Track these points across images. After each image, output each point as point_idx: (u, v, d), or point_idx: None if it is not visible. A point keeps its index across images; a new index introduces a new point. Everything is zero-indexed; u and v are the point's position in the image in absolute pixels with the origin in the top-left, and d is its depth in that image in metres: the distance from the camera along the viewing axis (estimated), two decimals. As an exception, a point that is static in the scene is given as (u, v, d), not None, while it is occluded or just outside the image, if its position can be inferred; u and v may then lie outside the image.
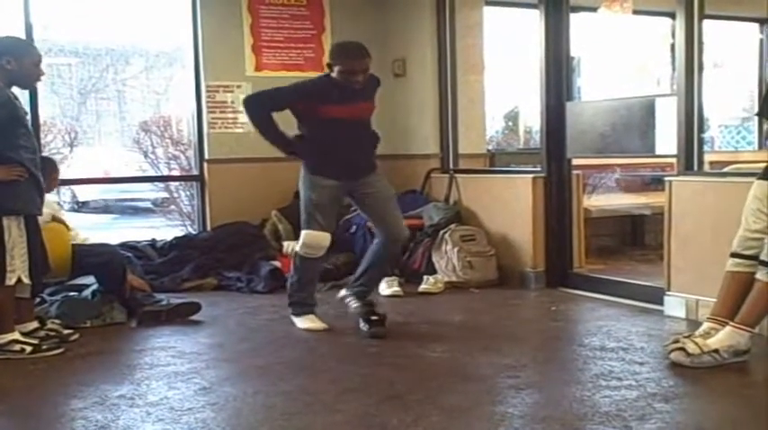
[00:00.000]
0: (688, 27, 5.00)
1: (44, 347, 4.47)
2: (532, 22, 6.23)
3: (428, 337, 4.74)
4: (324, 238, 4.82)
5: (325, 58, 7.45)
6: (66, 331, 4.75)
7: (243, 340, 4.79)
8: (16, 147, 4.36)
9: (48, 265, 4.66)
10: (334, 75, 4.75)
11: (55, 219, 5.22)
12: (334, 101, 4.72)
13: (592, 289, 5.87)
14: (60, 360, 4.40)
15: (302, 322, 4.95)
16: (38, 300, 5.05)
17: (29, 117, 4.72)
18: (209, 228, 7.16)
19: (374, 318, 4.77)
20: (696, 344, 3.97)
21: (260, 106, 4.89)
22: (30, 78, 4.58)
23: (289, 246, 6.80)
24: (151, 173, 8.77)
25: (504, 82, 8.84)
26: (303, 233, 4.85)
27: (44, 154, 6.50)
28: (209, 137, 7.19)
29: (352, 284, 5.06)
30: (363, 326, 4.76)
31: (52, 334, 4.65)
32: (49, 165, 5.08)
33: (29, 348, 4.42)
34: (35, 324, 4.67)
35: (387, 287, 5.86)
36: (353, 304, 4.90)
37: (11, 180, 4.31)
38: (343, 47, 4.91)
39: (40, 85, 6.06)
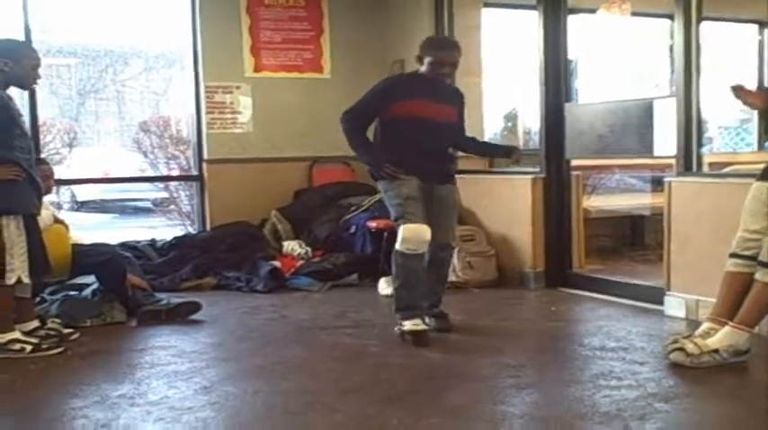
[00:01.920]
0: (686, 29, 5.01)
1: (44, 346, 4.47)
2: (531, 24, 6.24)
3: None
4: (424, 231, 4.50)
5: (324, 60, 7.61)
6: (66, 330, 4.76)
7: (243, 339, 4.80)
8: (11, 147, 4.37)
9: (49, 265, 4.66)
10: (423, 69, 4.67)
11: (57, 220, 5.23)
12: (425, 95, 4.64)
13: (591, 289, 5.88)
14: (60, 359, 4.40)
15: (409, 325, 4.56)
16: (38, 299, 5.06)
17: (24, 118, 4.71)
18: (208, 227, 7.17)
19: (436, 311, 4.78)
20: (696, 344, 3.98)
21: (351, 126, 4.72)
22: (27, 80, 4.60)
23: (288, 245, 6.82)
24: (150, 173, 8.78)
25: (503, 83, 8.84)
26: (401, 229, 4.53)
27: (42, 155, 6.52)
28: (209, 137, 7.21)
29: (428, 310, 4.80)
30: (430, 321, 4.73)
31: (52, 333, 4.66)
32: (43, 168, 5.03)
33: (29, 347, 4.42)
34: (35, 323, 4.67)
35: (386, 286, 5.85)
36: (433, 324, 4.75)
37: (7, 180, 4.32)
38: (433, 39, 4.98)
39: (39, 86, 6.07)
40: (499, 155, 5.53)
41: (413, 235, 4.48)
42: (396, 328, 4.62)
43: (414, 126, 4.60)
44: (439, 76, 4.66)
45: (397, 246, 4.55)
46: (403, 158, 4.60)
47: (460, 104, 4.95)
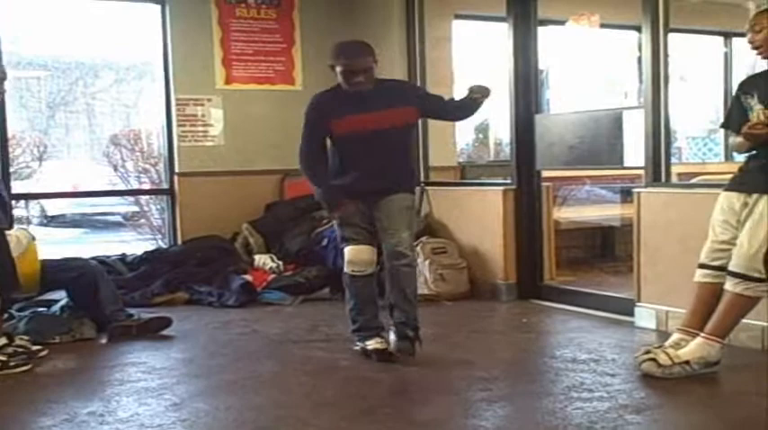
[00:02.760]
0: (654, 40, 5.06)
1: (12, 364, 4.41)
2: (501, 36, 6.27)
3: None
4: (365, 251, 4.48)
5: (296, 72, 7.60)
6: (34, 347, 4.69)
7: (214, 355, 4.76)
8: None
9: (17, 281, 4.60)
10: (339, 80, 4.42)
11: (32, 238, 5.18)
12: (353, 110, 4.37)
13: (563, 301, 5.90)
14: (28, 376, 4.35)
15: (372, 344, 4.50)
16: (6, 315, 5.00)
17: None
18: (179, 241, 7.12)
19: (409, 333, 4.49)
20: (667, 355, 4.00)
21: (307, 166, 4.53)
22: None
23: (260, 259, 6.79)
24: (121, 186, 8.71)
25: (475, 94, 8.87)
26: (344, 251, 4.53)
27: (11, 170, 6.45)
28: (180, 150, 7.17)
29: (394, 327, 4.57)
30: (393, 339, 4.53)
31: (20, 350, 4.58)
32: None
33: (-4, 365, 4.37)
34: (3, 340, 4.59)
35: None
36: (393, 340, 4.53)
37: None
38: (340, 45, 4.51)
39: (8, 99, 6.03)
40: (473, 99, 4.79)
41: (354, 256, 4.49)
42: (355, 347, 4.58)
43: (352, 144, 4.42)
44: (354, 85, 4.35)
45: (345, 268, 4.57)
46: (347, 181, 4.46)
47: (409, 98, 4.60)
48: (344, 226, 4.52)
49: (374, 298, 4.61)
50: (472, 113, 4.81)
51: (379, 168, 4.48)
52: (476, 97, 4.63)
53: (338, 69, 4.37)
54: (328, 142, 4.54)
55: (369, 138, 4.40)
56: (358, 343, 4.58)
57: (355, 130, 4.39)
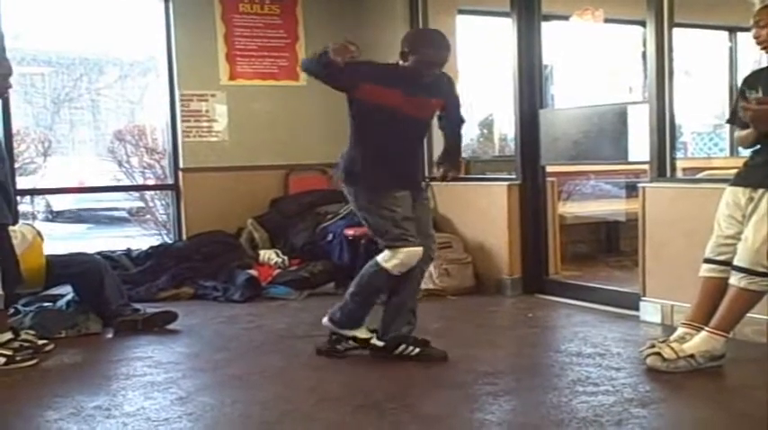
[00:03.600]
0: (658, 35, 5.05)
1: (18, 358, 4.43)
2: (505, 31, 6.26)
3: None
4: (420, 253, 4.25)
5: (298, 66, 7.58)
6: (40, 342, 4.71)
7: (220, 349, 4.77)
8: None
9: (20, 276, 4.62)
10: (406, 64, 4.18)
11: (39, 234, 5.19)
12: (403, 90, 4.15)
13: (568, 295, 5.90)
14: (35, 371, 4.36)
15: (360, 333, 4.44)
16: (12, 310, 5.01)
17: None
18: (184, 237, 7.13)
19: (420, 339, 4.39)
20: (672, 349, 4.00)
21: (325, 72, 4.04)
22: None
23: (265, 254, 6.80)
24: (126, 182, 8.72)
25: (479, 90, 8.88)
26: (402, 251, 4.18)
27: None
28: (184, 146, 7.17)
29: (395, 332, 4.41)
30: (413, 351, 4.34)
31: (26, 345, 4.61)
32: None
33: (2, 359, 4.39)
34: (9, 335, 4.62)
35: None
36: (413, 351, 4.34)
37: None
38: (427, 34, 4.29)
39: (12, 95, 6.04)
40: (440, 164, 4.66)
41: (411, 259, 4.22)
42: (343, 344, 4.46)
43: (391, 123, 4.19)
44: (428, 77, 4.19)
45: (387, 265, 4.23)
46: (395, 167, 4.23)
47: (443, 91, 4.43)
48: (404, 221, 4.20)
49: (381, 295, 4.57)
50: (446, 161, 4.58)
51: (413, 158, 4.39)
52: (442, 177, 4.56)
53: (418, 58, 4.12)
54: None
55: (407, 123, 4.24)
56: (341, 331, 4.44)
57: (399, 108, 4.16)
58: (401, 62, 4.23)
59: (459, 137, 4.66)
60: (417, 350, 4.32)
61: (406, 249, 4.20)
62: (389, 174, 4.23)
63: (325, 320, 4.52)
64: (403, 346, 4.33)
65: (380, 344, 4.39)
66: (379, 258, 4.29)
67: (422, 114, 4.35)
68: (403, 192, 4.25)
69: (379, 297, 4.46)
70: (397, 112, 4.18)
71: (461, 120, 4.62)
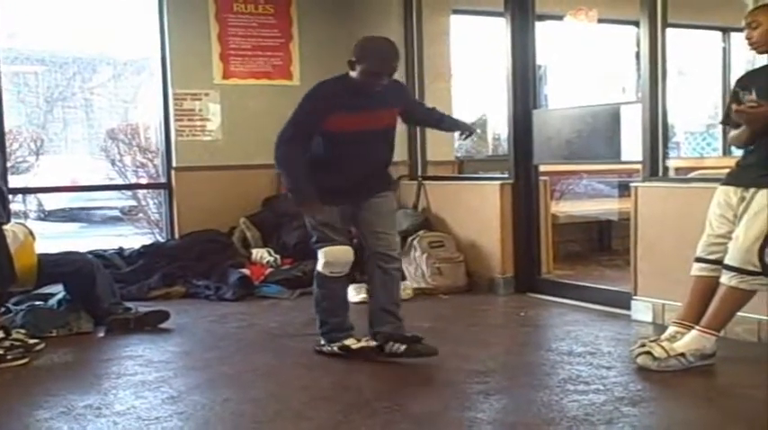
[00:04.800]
0: (652, 35, 5.06)
1: (9, 357, 4.42)
2: (499, 31, 6.27)
3: (397, 344, 4.73)
4: (346, 252, 4.37)
5: (294, 67, 7.59)
6: (31, 341, 4.70)
7: (211, 348, 4.77)
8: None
9: (14, 274, 4.61)
10: (354, 74, 4.20)
11: (30, 233, 5.18)
12: (347, 108, 4.19)
13: (560, 294, 5.91)
14: (25, 370, 4.35)
15: (355, 343, 4.39)
16: (3, 309, 5.00)
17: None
18: (177, 236, 7.13)
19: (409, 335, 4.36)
20: (663, 348, 4.01)
21: (287, 151, 4.31)
22: None
23: (257, 253, 6.79)
24: (119, 181, 8.71)
25: (473, 89, 8.89)
26: (322, 252, 4.37)
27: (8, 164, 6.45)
28: (177, 144, 7.16)
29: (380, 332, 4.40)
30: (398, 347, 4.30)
31: (17, 343, 4.59)
32: None
33: (-7, 358, 4.38)
34: (0, 334, 4.61)
35: (356, 294, 5.84)
36: (399, 349, 4.29)
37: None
38: (374, 43, 4.27)
39: (5, 94, 6.02)
40: (457, 129, 4.93)
41: (336, 257, 4.35)
42: (325, 348, 4.47)
43: (347, 142, 4.24)
44: (374, 87, 4.19)
45: (320, 268, 4.41)
46: (336, 181, 4.30)
47: (403, 98, 4.56)
48: (322, 227, 4.35)
49: (347, 299, 4.63)
50: (458, 129, 4.89)
51: (370, 167, 4.41)
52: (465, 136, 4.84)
53: (364, 68, 4.14)
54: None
55: (364, 137, 4.27)
56: (329, 344, 4.45)
57: (354, 128, 4.21)
58: (350, 71, 4.23)
59: (436, 112, 4.85)
60: (403, 347, 4.29)
61: (328, 248, 4.35)
62: (330, 190, 4.28)
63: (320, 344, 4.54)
64: (390, 344, 4.32)
65: (374, 343, 4.38)
66: (317, 265, 4.48)
67: (380, 125, 4.37)
68: (335, 207, 4.33)
69: (337, 302, 4.51)
70: (359, 131, 4.25)
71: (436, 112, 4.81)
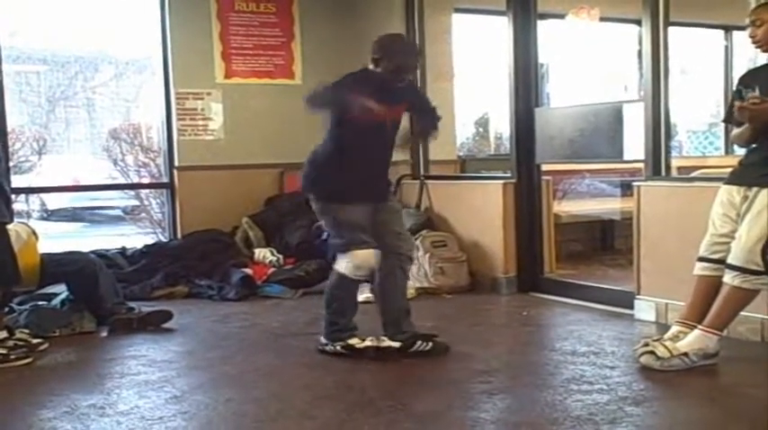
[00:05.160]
0: (654, 34, 5.06)
1: (12, 357, 4.42)
2: (501, 29, 6.27)
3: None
4: (375, 255, 4.33)
5: (296, 66, 7.58)
6: (34, 340, 4.70)
7: (214, 348, 4.77)
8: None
9: (18, 274, 4.61)
10: (378, 70, 4.27)
11: (33, 233, 5.18)
12: (387, 100, 4.16)
13: (563, 293, 5.91)
14: (29, 370, 4.35)
15: (361, 343, 4.40)
16: (6, 309, 5.00)
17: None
18: (179, 235, 7.12)
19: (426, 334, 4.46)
20: (666, 347, 4.01)
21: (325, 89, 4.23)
22: None
23: (260, 253, 6.79)
24: (121, 180, 8.71)
25: (475, 88, 8.89)
26: (352, 254, 4.30)
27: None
28: (179, 144, 7.16)
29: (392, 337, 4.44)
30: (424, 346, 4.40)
31: (21, 343, 4.60)
32: None
33: (-3, 358, 4.38)
34: (3, 334, 4.60)
35: (359, 293, 5.83)
36: (426, 346, 4.40)
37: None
38: (398, 40, 4.40)
39: (7, 93, 6.03)
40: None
41: (365, 261, 4.32)
42: (328, 347, 4.44)
43: (370, 135, 4.23)
44: (399, 83, 4.30)
45: (345, 271, 4.36)
46: (357, 178, 4.28)
47: (409, 94, 4.56)
48: (352, 227, 4.29)
49: (357, 300, 4.64)
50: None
51: (385, 161, 4.48)
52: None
53: (391, 64, 4.23)
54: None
55: (383, 129, 4.29)
56: (332, 344, 4.44)
57: (378, 119, 4.16)
58: (372, 67, 4.29)
59: (430, 133, 4.76)
60: (430, 345, 4.39)
61: (360, 251, 4.29)
62: (354, 187, 4.29)
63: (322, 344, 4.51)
64: (418, 343, 4.38)
65: (396, 344, 4.39)
66: (337, 266, 4.42)
67: (396, 119, 4.43)
68: (361, 205, 4.33)
69: (350, 303, 4.51)
70: (381, 124, 4.26)
71: (435, 123, 4.67)
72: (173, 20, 7.10)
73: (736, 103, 3.95)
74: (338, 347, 4.42)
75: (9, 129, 6.99)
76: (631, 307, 5.23)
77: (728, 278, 3.94)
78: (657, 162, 5.10)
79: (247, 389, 3.93)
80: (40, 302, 5.36)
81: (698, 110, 9.76)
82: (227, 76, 7.32)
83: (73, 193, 11.45)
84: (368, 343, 4.39)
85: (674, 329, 4.13)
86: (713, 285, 4.04)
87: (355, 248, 4.31)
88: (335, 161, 4.33)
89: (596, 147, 5.65)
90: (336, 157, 4.33)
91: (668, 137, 5.22)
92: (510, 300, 6.00)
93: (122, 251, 6.85)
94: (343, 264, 4.39)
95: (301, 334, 5.00)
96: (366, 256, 4.33)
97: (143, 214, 8.91)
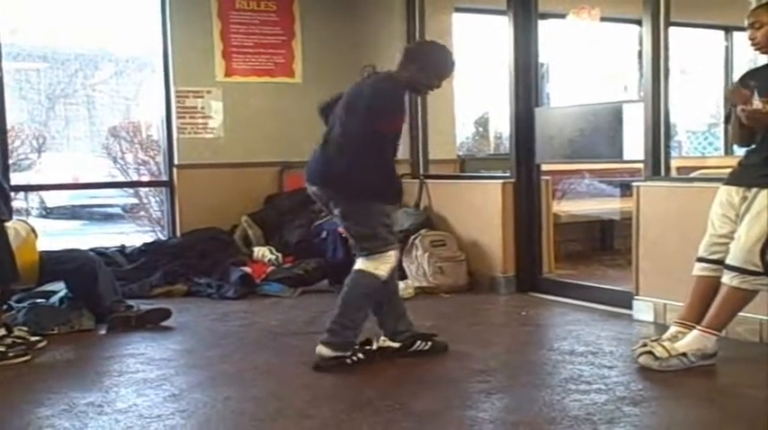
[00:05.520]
0: (654, 34, 5.06)
1: (10, 355, 4.42)
2: (502, 29, 6.26)
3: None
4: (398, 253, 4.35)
5: (296, 64, 7.58)
6: (33, 338, 4.70)
7: (213, 346, 4.77)
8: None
9: (16, 272, 4.61)
10: (408, 76, 4.22)
11: (32, 230, 5.18)
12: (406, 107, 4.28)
13: (562, 293, 5.91)
14: (27, 367, 4.35)
15: (375, 344, 4.36)
16: (5, 307, 5.00)
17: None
18: (178, 233, 7.12)
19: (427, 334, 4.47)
20: (664, 347, 4.01)
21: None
22: None
23: (259, 251, 6.79)
24: (120, 178, 8.72)
25: (475, 88, 8.89)
26: (388, 256, 4.18)
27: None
28: (179, 142, 7.16)
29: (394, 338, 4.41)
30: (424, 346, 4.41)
31: (19, 341, 4.59)
32: None
33: (-5, 356, 4.38)
34: (2, 331, 4.60)
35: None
36: (425, 346, 4.41)
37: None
38: (441, 50, 4.34)
39: (7, 91, 6.02)
40: None
41: (396, 261, 4.28)
42: (349, 360, 4.19)
43: (395, 142, 4.23)
44: (430, 90, 4.39)
45: (378, 272, 4.16)
46: (397, 184, 4.32)
47: None
48: (389, 228, 4.23)
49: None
50: None
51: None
52: None
53: (432, 74, 4.23)
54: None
55: (398, 138, 4.26)
56: (351, 357, 4.18)
57: (402, 127, 4.24)
58: (401, 72, 4.24)
59: None
60: (429, 344, 4.40)
61: (393, 252, 4.23)
62: (395, 189, 4.30)
63: (323, 350, 4.20)
64: (418, 343, 4.39)
65: (396, 345, 4.39)
66: (364, 267, 4.20)
67: None
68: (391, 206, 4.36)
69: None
70: (401, 131, 4.28)
71: None
72: (173, 18, 7.10)
73: (740, 107, 3.91)
74: (360, 355, 4.23)
75: (9, 126, 6.99)
76: (630, 307, 5.23)
77: (727, 278, 3.94)
78: (657, 162, 5.10)
79: (246, 387, 3.92)
80: (39, 300, 5.37)
81: (698, 110, 9.76)
82: (227, 75, 7.32)
83: (72, 191, 11.46)
84: (380, 344, 4.39)
85: (673, 329, 4.13)
86: (712, 286, 4.04)
87: (392, 249, 4.22)
88: (382, 165, 4.19)
89: (596, 147, 5.65)
90: (380, 165, 4.16)
91: (668, 137, 5.21)
92: (509, 300, 6.00)
93: (121, 249, 6.85)
94: (379, 266, 4.17)
95: (300, 333, 5.00)
96: (396, 257, 4.30)
97: (142, 212, 8.93)
